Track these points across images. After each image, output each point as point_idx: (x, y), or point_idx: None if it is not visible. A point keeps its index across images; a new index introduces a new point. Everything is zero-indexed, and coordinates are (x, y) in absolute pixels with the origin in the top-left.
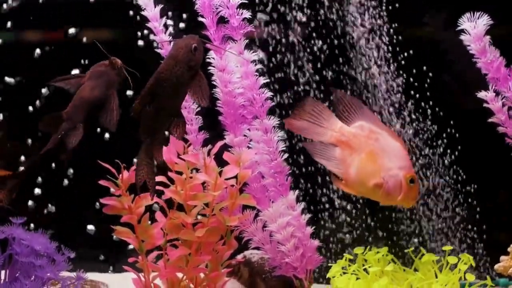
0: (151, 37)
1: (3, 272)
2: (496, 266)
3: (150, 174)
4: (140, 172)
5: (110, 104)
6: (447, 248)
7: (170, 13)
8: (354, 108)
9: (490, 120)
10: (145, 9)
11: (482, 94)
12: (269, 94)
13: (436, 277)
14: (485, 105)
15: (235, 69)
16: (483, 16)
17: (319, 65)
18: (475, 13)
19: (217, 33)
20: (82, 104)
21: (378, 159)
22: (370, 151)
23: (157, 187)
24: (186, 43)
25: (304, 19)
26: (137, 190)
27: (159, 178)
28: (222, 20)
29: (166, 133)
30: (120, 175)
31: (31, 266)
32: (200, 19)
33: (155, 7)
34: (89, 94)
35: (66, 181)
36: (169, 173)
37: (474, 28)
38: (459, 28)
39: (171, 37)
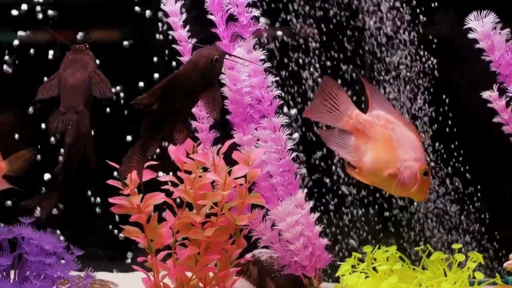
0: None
1: (12, 271)
2: (505, 264)
3: (139, 169)
4: (129, 165)
5: (95, 79)
6: (457, 246)
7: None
8: (371, 95)
9: (494, 119)
10: (165, 4)
11: (486, 94)
12: (278, 92)
13: (445, 275)
14: (489, 105)
15: (243, 68)
16: (489, 14)
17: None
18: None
19: (226, 31)
20: (71, 90)
21: (394, 150)
22: (386, 141)
23: (167, 186)
24: (209, 53)
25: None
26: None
27: (168, 178)
28: (231, 18)
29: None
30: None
31: (40, 265)
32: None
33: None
34: (73, 80)
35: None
36: (178, 173)
37: (481, 26)
38: (466, 26)
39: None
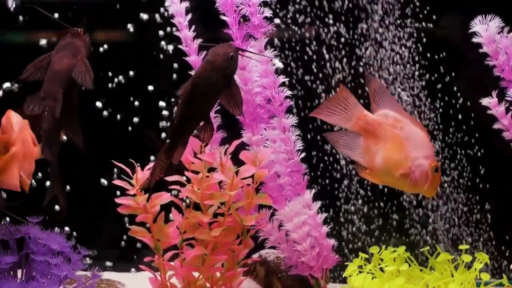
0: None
1: (19, 271)
2: None
3: (157, 171)
4: (156, 169)
5: (80, 67)
6: (463, 247)
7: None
8: (379, 94)
9: (494, 126)
10: (170, 5)
11: (485, 101)
12: (288, 92)
13: (452, 276)
14: (489, 111)
15: (254, 68)
16: (494, 19)
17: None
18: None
19: (239, 32)
20: (55, 76)
21: (405, 149)
22: (396, 140)
23: (173, 186)
24: (224, 50)
25: None
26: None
27: (174, 178)
28: (242, 18)
29: None
30: (135, 174)
31: (47, 265)
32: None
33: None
34: (59, 65)
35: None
36: (186, 173)
37: (486, 30)
38: (471, 30)
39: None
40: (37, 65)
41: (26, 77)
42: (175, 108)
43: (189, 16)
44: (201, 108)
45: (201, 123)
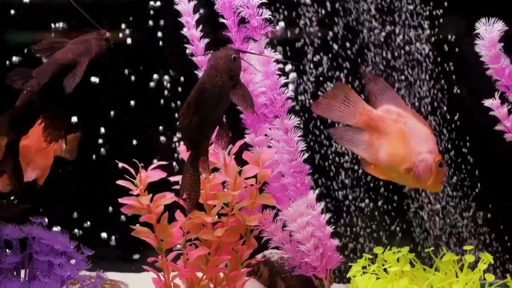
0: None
1: (23, 271)
2: None
3: (194, 186)
4: (185, 185)
5: (76, 69)
6: (468, 247)
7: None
8: (380, 90)
9: (496, 128)
10: (178, 3)
11: (488, 102)
12: (290, 93)
13: (457, 276)
14: (491, 113)
15: (258, 68)
16: (498, 22)
17: None
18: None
19: (238, 35)
20: (52, 64)
21: (408, 144)
22: (399, 135)
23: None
24: (225, 53)
25: None
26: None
27: (176, 178)
28: (241, 20)
29: None
30: (138, 174)
31: (50, 265)
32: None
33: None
34: (61, 56)
35: None
36: None
37: (489, 33)
38: (475, 32)
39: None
40: (51, 44)
41: (37, 50)
42: (182, 114)
43: (197, 15)
44: (213, 113)
45: (216, 130)
